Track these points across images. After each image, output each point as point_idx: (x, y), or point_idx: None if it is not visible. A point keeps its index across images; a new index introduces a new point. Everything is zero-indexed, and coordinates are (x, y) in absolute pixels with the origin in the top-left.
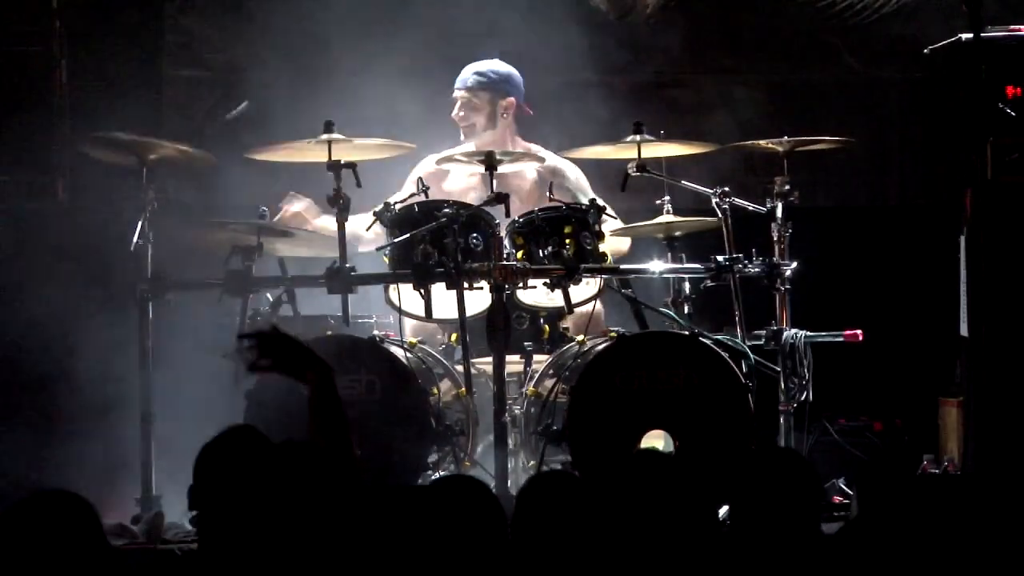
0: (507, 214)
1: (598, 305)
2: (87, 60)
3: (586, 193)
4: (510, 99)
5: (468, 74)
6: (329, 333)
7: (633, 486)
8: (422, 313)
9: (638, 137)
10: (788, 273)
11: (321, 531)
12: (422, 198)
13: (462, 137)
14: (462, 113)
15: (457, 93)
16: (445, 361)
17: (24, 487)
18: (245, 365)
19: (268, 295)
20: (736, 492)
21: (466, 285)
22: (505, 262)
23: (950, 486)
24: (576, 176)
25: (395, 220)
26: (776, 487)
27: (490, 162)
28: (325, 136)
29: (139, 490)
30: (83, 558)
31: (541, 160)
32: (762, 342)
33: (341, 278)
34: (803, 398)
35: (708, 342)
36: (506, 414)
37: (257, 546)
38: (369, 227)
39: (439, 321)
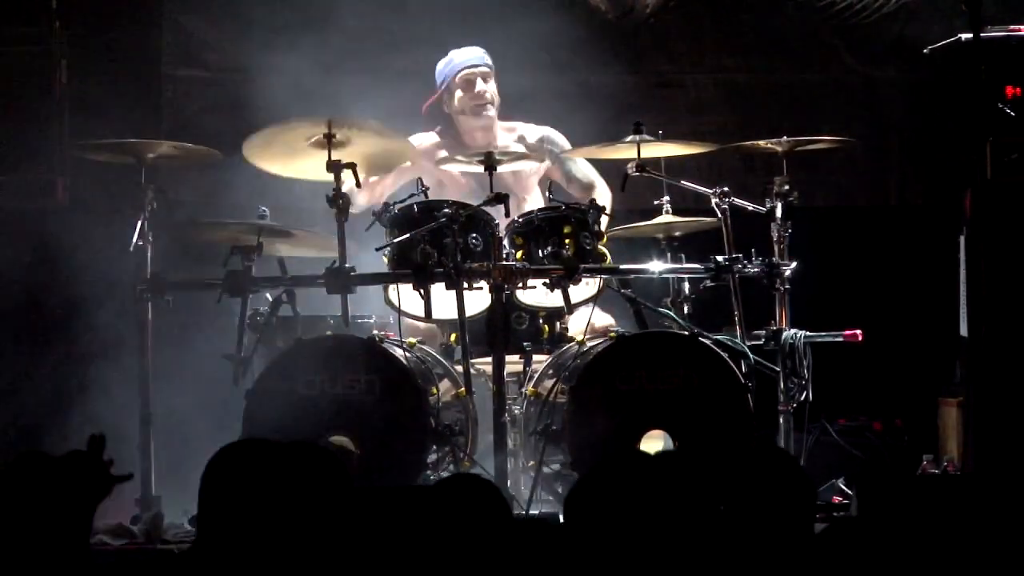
0: (507, 214)
1: (608, 318)
2: (87, 60)
3: (572, 160)
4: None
5: (480, 52)
6: (329, 333)
7: (635, 485)
8: (422, 313)
9: (638, 137)
10: (788, 273)
11: (323, 533)
12: (421, 198)
13: (464, 122)
14: (486, 90)
15: (479, 69)
16: (445, 361)
17: None
18: None
19: (268, 295)
20: (729, 493)
21: (466, 285)
22: (505, 262)
23: (950, 486)
24: (563, 141)
25: (395, 220)
26: (768, 489)
27: (490, 162)
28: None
29: (139, 490)
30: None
31: (541, 159)
32: (762, 342)
33: (341, 278)
34: (803, 398)
35: (708, 342)
36: (506, 414)
37: (256, 547)
38: (368, 228)
39: (439, 321)
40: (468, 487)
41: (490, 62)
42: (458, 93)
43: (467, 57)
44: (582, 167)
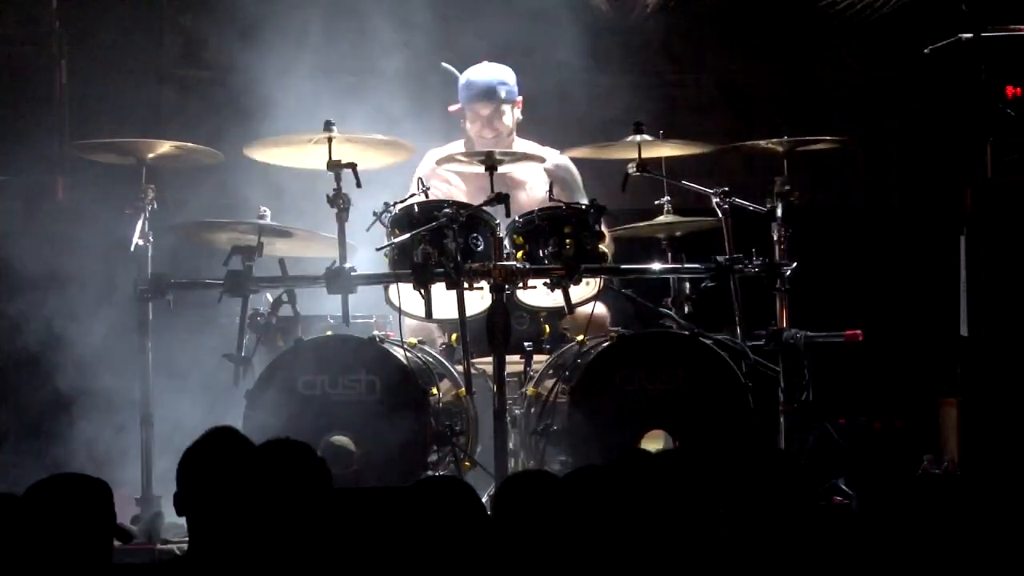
0: (507, 214)
1: (602, 308)
2: (87, 60)
3: (579, 189)
4: (520, 98)
5: (492, 85)
6: (329, 333)
7: (634, 484)
8: (422, 313)
9: (638, 137)
10: (788, 273)
11: (304, 531)
12: (422, 198)
13: (476, 146)
14: (492, 128)
15: (481, 109)
16: (445, 361)
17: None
18: None
19: (268, 295)
20: (730, 494)
21: (466, 285)
22: (505, 262)
23: (950, 486)
24: (573, 173)
25: (395, 220)
26: (768, 489)
27: (490, 162)
28: (325, 134)
29: (139, 490)
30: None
31: (541, 159)
32: (762, 342)
33: (341, 278)
34: (803, 398)
35: (708, 342)
36: (506, 414)
37: (246, 546)
38: (369, 228)
39: (439, 321)
40: (444, 489)
41: (503, 93)
42: (468, 122)
43: (477, 89)
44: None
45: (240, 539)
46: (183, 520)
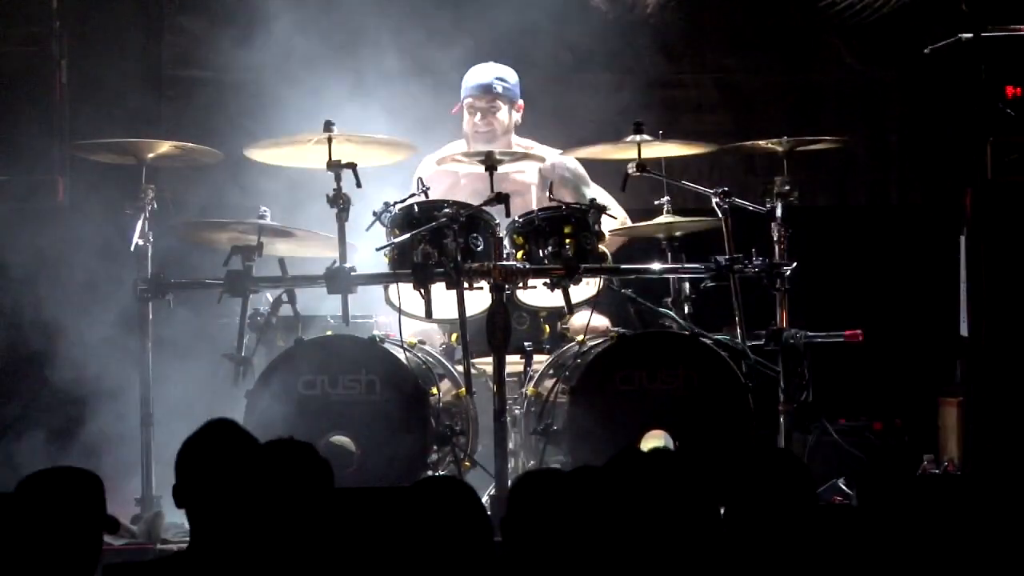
0: (507, 214)
1: (603, 320)
2: (87, 60)
3: (587, 183)
4: (521, 102)
5: (489, 79)
6: (329, 333)
7: (634, 484)
8: (422, 313)
9: (638, 137)
10: (788, 273)
11: (305, 530)
12: (422, 198)
13: (470, 144)
14: (486, 121)
15: (477, 102)
16: (445, 361)
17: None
18: None
19: (268, 295)
20: (730, 492)
21: (466, 285)
22: (505, 262)
23: (950, 486)
24: (576, 169)
25: (395, 220)
26: (769, 487)
27: (490, 162)
28: (325, 134)
29: (139, 490)
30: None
31: (541, 159)
32: (762, 342)
33: (341, 278)
34: (803, 398)
35: (708, 342)
36: (506, 414)
37: (246, 541)
38: (369, 228)
39: (439, 321)
40: (444, 489)
41: (501, 89)
42: (466, 116)
43: (474, 83)
44: (594, 193)
45: (240, 531)
46: (183, 520)
